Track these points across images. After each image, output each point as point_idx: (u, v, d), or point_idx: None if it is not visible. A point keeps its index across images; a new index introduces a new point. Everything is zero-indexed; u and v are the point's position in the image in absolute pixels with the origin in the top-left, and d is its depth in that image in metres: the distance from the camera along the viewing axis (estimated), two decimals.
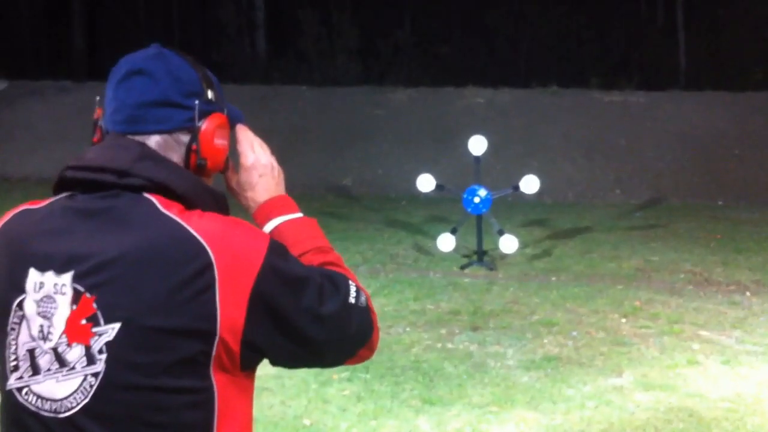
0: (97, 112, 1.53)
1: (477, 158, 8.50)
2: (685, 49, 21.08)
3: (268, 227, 1.61)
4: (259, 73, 19.92)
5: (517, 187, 8.43)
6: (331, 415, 4.60)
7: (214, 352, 1.34)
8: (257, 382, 4.79)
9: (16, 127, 15.67)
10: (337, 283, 1.48)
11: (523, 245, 8.88)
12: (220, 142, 1.52)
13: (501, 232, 8.31)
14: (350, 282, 1.51)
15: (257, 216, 1.64)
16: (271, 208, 1.63)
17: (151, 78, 1.46)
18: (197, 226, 1.35)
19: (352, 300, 1.48)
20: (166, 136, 1.46)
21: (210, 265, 1.32)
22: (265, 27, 22.00)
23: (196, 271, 1.32)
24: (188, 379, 1.34)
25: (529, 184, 8.31)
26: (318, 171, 13.85)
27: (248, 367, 1.42)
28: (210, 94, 1.52)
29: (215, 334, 1.33)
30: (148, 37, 22.77)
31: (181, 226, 1.35)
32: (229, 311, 1.33)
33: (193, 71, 1.51)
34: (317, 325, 1.42)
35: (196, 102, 1.48)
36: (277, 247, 1.41)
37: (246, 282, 1.34)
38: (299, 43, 19.97)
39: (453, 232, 8.49)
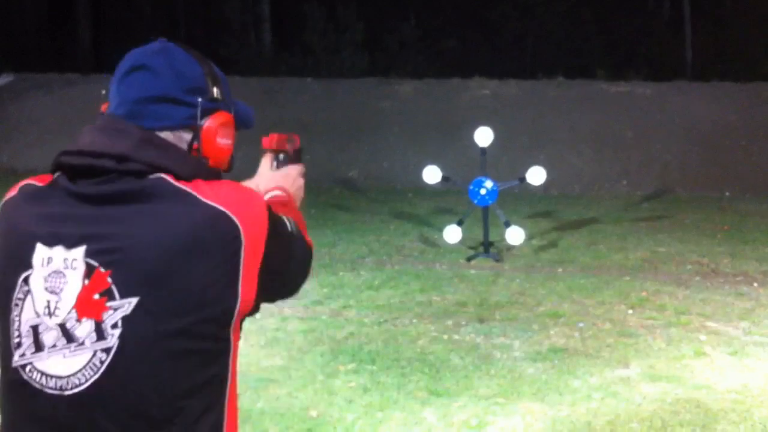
0: (104, 107, 1.52)
1: (483, 150, 8.48)
2: (691, 40, 20.99)
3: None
4: (265, 66, 19.90)
5: (523, 179, 8.41)
6: (338, 406, 4.61)
7: (234, 318, 1.39)
8: (263, 374, 4.79)
9: (22, 120, 15.71)
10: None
11: (530, 237, 8.87)
12: (224, 141, 1.51)
13: (507, 224, 8.29)
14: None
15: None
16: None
17: (153, 73, 1.45)
18: (213, 196, 1.38)
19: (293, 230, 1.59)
20: (167, 133, 1.45)
21: (238, 236, 1.37)
22: (271, 20, 21.97)
23: (225, 244, 1.36)
24: (209, 343, 1.37)
25: (536, 176, 8.29)
26: (324, 163, 13.84)
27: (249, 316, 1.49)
28: (215, 92, 1.51)
29: (236, 305, 1.38)
30: (153, 30, 22.77)
31: (198, 200, 1.37)
32: (248, 279, 1.39)
33: (198, 67, 1.49)
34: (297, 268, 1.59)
35: (199, 99, 1.47)
36: (275, 218, 1.49)
37: (258, 253, 1.40)
38: (305, 36, 19.94)
39: (459, 223, 8.48)
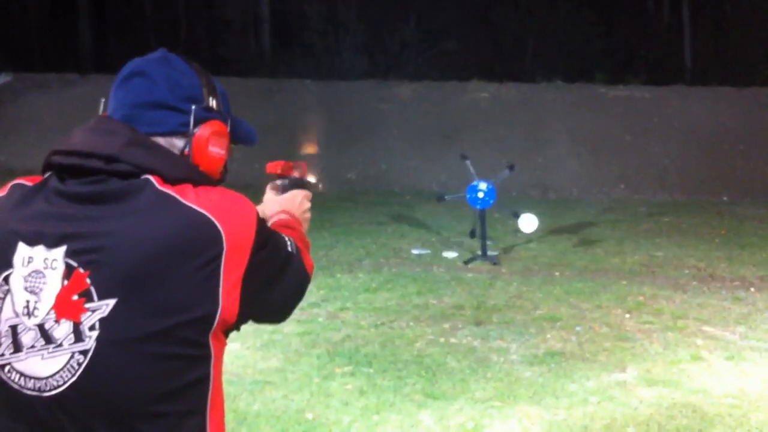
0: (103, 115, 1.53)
1: (464, 155, 8.75)
2: (690, 45, 21.02)
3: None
4: (265, 67, 19.91)
5: (512, 167, 8.56)
6: (334, 409, 4.60)
7: (214, 325, 1.37)
8: (259, 376, 4.76)
9: (21, 120, 15.70)
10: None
11: (527, 240, 8.87)
12: (216, 150, 1.51)
13: (516, 215, 8.56)
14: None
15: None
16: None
17: (150, 80, 1.46)
18: (198, 200, 1.37)
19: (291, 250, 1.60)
20: (159, 138, 1.45)
21: (218, 241, 1.35)
22: (271, 21, 21.99)
23: (204, 248, 1.34)
24: (187, 349, 1.36)
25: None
26: (322, 165, 13.84)
27: (235, 330, 1.47)
28: (212, 102, 1.52)
29: (217, 311, 1.36)
30: (154, 31, 22.83)
31: (180, 203, 1.36)
32: (229, 287, 1.37)
33: (196, 78, 1.51)
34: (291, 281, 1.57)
35: (193, 107, 1.48)
36: (263, 226, 1.48)
37: (242, 261, 1.39)
38: (305, 37, 19.94)
39: (471, 235, 8.62)
